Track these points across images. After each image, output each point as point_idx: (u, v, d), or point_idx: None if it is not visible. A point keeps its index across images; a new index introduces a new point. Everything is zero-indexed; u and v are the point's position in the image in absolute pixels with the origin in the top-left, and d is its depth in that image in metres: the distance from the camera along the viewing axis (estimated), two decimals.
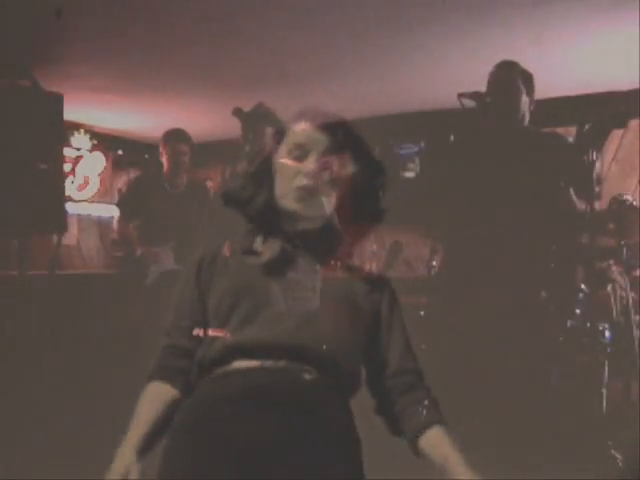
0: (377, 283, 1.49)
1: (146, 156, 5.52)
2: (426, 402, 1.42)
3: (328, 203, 1.42)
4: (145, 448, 1.32)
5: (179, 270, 3.77)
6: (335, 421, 1.29)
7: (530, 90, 2.88)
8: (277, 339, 1.31)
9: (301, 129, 1.45)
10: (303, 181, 1.40)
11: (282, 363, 1.30)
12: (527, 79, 2.88)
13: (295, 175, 1.41)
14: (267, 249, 1.41)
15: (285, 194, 1.41)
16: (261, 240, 1.44)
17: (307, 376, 1.30)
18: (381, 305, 1.47)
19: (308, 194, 1.39)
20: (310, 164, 1.41)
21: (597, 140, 2.71)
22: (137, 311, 3.65)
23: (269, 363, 1.30)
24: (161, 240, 3.93)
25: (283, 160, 1.44)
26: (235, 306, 1.36)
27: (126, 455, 1.29)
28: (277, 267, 1.39)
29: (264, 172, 1.46)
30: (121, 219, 4.21)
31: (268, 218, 1.44)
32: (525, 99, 2.86)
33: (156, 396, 1.38)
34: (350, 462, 1.28)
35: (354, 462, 1.29)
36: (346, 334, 1.38)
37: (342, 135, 1.45)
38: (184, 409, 1.33)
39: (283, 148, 1.46)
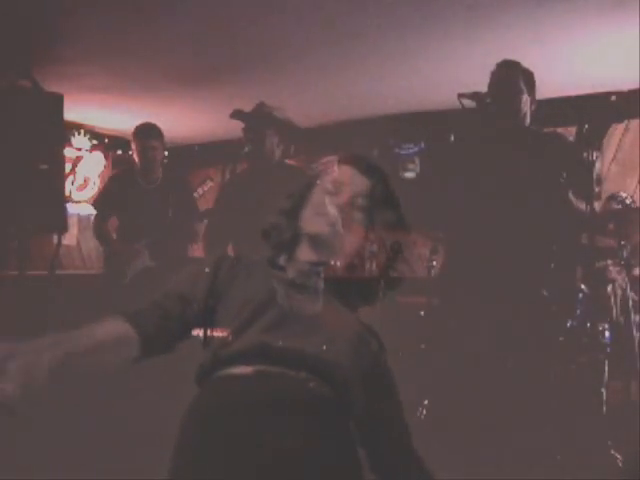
0: (372, 333, 1.49)
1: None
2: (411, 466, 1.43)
3: (350, 245, 1.44)
4: (63, 365, 1.19)
5: (155, 267, 3.78)
6: (340, 433, 1.30)
7: (531, 89, 2.88)
8: (299, 350, 1.32)
9: (343, 169, 1.49)
10: (332, 210, 1.42)
11: (302, 374, 1.30)
12: (528, 78, 2.88)
13: (326, 204, 1.43)
14: (292, 267, 1.42)
15: (312, 219, 1.43)
16: (285, 258, 1.45)
17: (312, 385, 1.30)
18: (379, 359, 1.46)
19: (335, 224, 1.41)
20: (343, 197, 1.44)
21: (596, 136, 2.71)
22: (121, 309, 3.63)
23: (292, 372, 1.30)
24: (137, 237, 3.90)
25: (318, 193, 1.46)
26: (256, 315, 1.36)
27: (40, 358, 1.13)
28: (301, 285, 1.40)
29: (298, 207, 1.48)
30: (96, 218, 4.21)
31: (293, 247, 1.45)
32: (526, 98, 2.86)
33: (111, 327, 1.32)
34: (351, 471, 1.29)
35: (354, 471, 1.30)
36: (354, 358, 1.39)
37: (380, 181, 1.50)
38: (196, 407, 1.32)
39: (320, 186, 1.48)
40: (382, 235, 1.50)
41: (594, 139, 2.68)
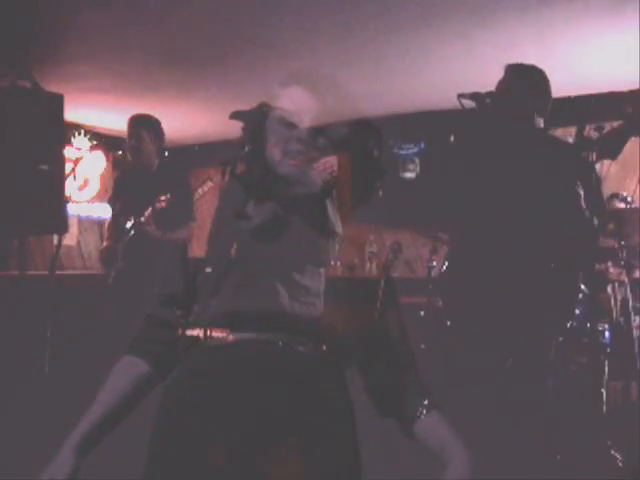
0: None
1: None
2: (421, 384, 1.41)
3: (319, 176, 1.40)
4: (107, 426, 1.32)
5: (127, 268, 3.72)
6: (329, 394, 1.30)
7: (539, 92, 2.85)
8: (271, 310, 1.31)
9: (291, 94, 1.42)
10: (296, 146, 1.38)
11: (276, 336, 1.29)
12: (536, 80, 2.86)
13: (287, 141, 1.38)
14: (258, 213, 1.37)
15: (278, 160, 1.39)
16: (253, 204, 1.40)
17: (301, 349, 1.30)
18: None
19: (303, 160, 1.37)
20: (302, 131, 1.38)
21: (616, 146, 2.69)
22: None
23: (264, 336, 1.29)
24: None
25: (275, 127, 1.41)
26: (231, 274, 1.34)
27: (75, 438, 1.29)
28: (267, 233, 1.36)
29: (257, 140, 1.43)
30: (111, 218, 4.20)
31: (263, 183, 1.40)
32: (533, 101, 2.83)
33: (125, 371, 1.37)
34: (343, 434, 1.28)
35: (347, 434, 1.29)
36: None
37: (333, 100, 1.42)
38: (179, 377, 1.32)
39: (274, 114, 1.43)
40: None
41: (613, 153, 2.66)
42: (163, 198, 3.68)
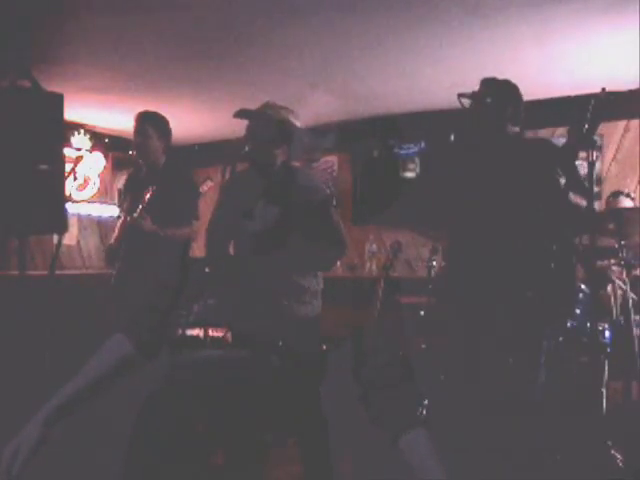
0: None
1: None
2: (412, 399, 1.42)
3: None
4: (83, 399, 1.41)
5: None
6: (303, 405, 1.31)
7: (512, 102, 2.87)
8: (270, 310, 1.32)
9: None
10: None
11: (276, 336, 1.31)
12: (509, 92, 2.87)
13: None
14: (262, 216, 1.40)
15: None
16: (262, 205, 1.43)
17: (297, 350, 1.31)
18: None
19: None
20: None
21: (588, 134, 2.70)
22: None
23: (263, 335, 1.32)
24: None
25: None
26: (229, 274, 1.39)
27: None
28: (267, 242, 1.39)
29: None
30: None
31: (284, 181, 1.43)
32: (505, 108, 2.84)
33: (111, 350, 1.44)
34: (316, 445, 1.30)
35: (321, 445, 1.31)
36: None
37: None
38: (172, 374, 1.37)
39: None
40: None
41: (586, 137, 2.68)
42: (149, 192, 3.68)
